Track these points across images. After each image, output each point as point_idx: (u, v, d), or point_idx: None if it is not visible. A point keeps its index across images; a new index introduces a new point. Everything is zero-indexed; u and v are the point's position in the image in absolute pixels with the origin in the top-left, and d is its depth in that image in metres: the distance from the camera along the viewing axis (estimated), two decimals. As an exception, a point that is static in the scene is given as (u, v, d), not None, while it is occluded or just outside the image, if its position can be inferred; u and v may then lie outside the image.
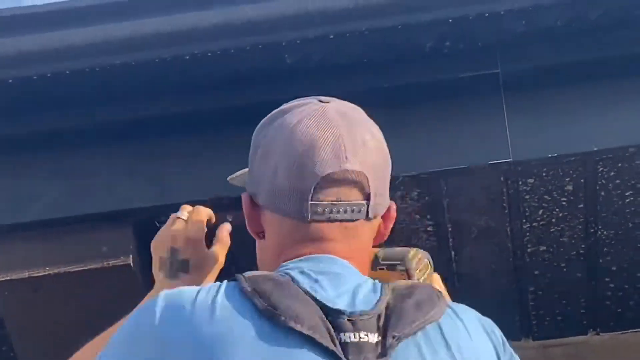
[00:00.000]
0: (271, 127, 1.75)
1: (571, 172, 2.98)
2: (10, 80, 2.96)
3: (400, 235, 3.13)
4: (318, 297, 1.57)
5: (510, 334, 3.82)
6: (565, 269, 3.38)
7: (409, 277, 2.02)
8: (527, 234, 3.21)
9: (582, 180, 3.01)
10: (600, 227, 3.21)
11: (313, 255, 1.67)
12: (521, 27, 2.87)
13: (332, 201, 1.67)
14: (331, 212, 1.67)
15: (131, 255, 3.04)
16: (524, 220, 3.14)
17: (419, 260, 2.05)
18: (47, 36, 2.90)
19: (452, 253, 3.27)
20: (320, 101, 1.75)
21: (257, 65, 2.94)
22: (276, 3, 2.83)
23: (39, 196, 3.07)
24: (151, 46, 2.87)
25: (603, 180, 3.02)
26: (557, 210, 3.12)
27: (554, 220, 3.16)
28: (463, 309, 1.69)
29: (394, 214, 1.79)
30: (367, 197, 1.69)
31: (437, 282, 2.06)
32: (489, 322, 1.73)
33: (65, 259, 3.06)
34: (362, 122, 1.75)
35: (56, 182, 3.07)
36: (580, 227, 3.20)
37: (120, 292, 3.08)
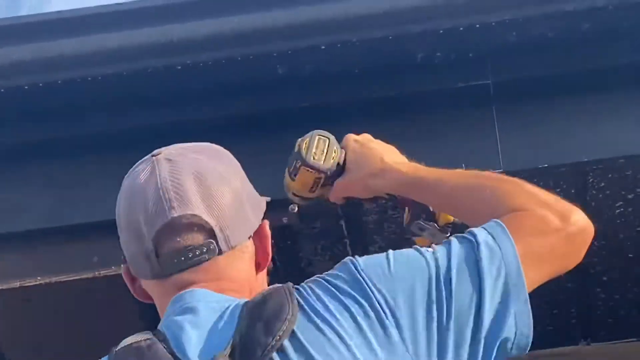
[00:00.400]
0: (118, 196, 1.77)
1: (562, 182, 2.98)
2: (2, 90, 2.96)
3: (392, 244, 3.13)
4: (177, 354, 1.58)
5: (501, 344, 3.80)
6: (556, 280, 3.38)
7: (315, 170, 2.01)
8: (518, 244, 3.21)
9: (572, 191, 3.01)
10: (591, 237, 3.21)
11: (177, 294, 1.68)
12: (512, 38, 2.88)
13: (176, 251, 1.67)
14: (181, 260, 1.68)
15: (122, 265, 3.04)
16: (514, 231, 3.14)
17: (307, 144, 2.03)
18: (39, 46, 2.90)
19: (444, 263, 3.27)
20: (153, 155, 1.76)
21: (249, 75, 2.94)
22: (268, 14, 2.84)
23: (30, 206, 3.07)
24: (143, 56, 2.87)
25: (594, 191, 3.02)
26: (548, 220, 3.12)
27: (544, 230, 3.16)
28: (310, 292, 1.64)
29: (266, 232, 1.77)
30: (212, 235, 1.68)
31: (351, 145, 2.04)
32: (339, 276, 1.66)
33: (57, 268, 3.05)
34: (195, 160, 1.74)
35: (47, 192, 3.07)
36: (570, 237, 3.20)
37: (111, 302, 3.08)
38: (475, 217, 1.78)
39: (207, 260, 1.68)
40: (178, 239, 1.67)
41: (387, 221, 3.05)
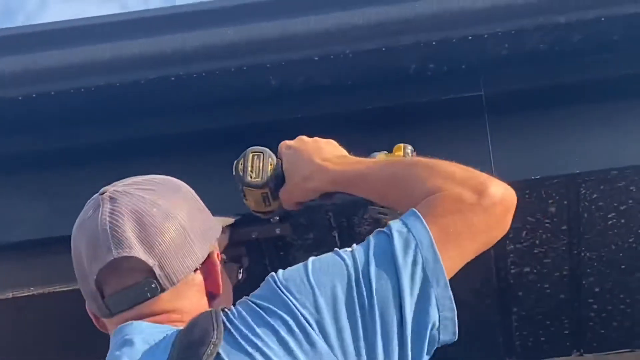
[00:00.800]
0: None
1: (554, 194, 2.98)
2: (-5, 101, 2.96)
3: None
4: None
5: (494, 355, 3.83)
6: (548, 290, 3.38)
7: (257, 187, 2.02)
8: (511, 255, 3.21)
9: (565, 202, 3.02)
10: (583, 248, 3.21)
11: (117, 328, 1.71)
12: (504, 50, 2.89)
13: (119, 291, 1.71)
14: (124, 301, 1.71)
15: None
16: (507, 242, 3.15)
17: (243, 165, 2.05)
18: (31, 57, 2.90)
19: (436, 274, 3.26)
20: (100, 193, 1.78)
21: (242, 86, 2.94)
22: (261, 25, 2.84)
23: (22, 217, 3.06)
24: (136, 67, 2.87)
25: (586, 203, 3.03)
26: (541, 231, 3.13)
27: (537, 241, 3.16)
28: (237, 314, 1.65)
29: (214, 261, 1.79)
30: (152, 274, 1.69)
31: (284, 152, 2.04)
32: (263, 295, 1.67)
33: (50, 279, 3.05)
34: (139, 199, 1.75)
35: (40, 203, 3.07)
36: (563, 248, 3.21)
37: (104, 313, 3.07)
38: (399, 206, 1.79)
39: (150, 298, 1.68)
40: (119, 280, 1.70)
41: (380, 232, 3.05)
